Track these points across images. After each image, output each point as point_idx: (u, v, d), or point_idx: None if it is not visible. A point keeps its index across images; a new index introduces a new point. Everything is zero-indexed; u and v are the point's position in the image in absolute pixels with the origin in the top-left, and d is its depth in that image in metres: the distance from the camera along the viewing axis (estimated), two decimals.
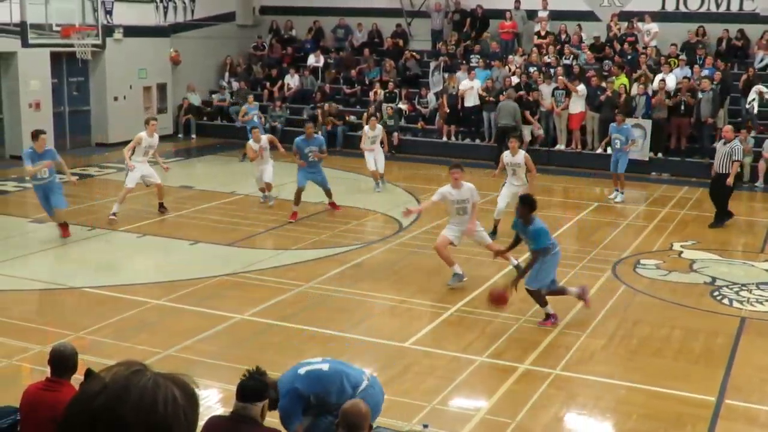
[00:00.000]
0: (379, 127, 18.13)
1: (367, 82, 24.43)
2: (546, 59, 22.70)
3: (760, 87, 19.72)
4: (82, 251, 12.89)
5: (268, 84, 25.37)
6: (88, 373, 5.91)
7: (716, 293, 11.27)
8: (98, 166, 19.67)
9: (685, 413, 7.77)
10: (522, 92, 21.37)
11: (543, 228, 9.92)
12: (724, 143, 14.88)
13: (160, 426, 1.66)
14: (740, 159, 14.92)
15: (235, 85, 25.22)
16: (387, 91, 23.33)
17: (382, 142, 17.99)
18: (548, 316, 9.91)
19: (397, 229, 14.39)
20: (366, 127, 18.05)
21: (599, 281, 11.63)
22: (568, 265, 12.35)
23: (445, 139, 22.35)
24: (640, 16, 22.85)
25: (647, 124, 19.93)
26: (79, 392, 1.74)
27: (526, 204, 9.90)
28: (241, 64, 26.19)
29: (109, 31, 20.76)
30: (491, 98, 21.51)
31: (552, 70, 21.77)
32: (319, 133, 15.59)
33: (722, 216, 15.01)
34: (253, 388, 5.18)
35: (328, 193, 15.45)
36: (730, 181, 14.61)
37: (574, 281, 11.61)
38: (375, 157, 17.69)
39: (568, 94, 20.88)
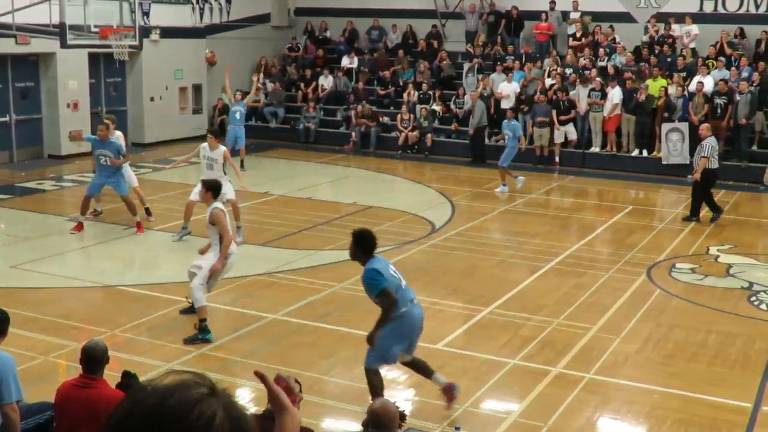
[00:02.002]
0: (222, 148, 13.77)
1: (401, 84, 24.42)
2: (582, 61, 22.52)
3: None
4: (118, 250, 13.03)
5: (302, 85, 25.47)
6: (126, 374, 5.99)
7: (753, 298, 11.10)
8: (134, 165, 19.85)
9: (720, 419, 7.66)
10: (556, 93, 21.24)
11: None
12: (700, 140, 15.33)
13: None
14: (708, 155, 15.00)
15: (270, 86, 25.35)
16: (421, 92, 23.31)
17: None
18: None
19: (429, 230, 14.37)
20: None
21: (634, 285, 11.51)
22: (602, 269, 12.27)
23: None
24: (677, 17, 22.57)
25: (684, 126, 19.69)
26: (123, 407, 1.76)
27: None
28: (275, 65, 26.32)
29: (146, 32, 20.98)
30: (524, 104, 21.39)
31: (587, 72, 21.60)
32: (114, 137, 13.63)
33: (714, 210, 15.31)
34: None
35: (130, 208, 13.70)
36: (696, 176, 15.06)
37: (608, 284, 11.53)
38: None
39: (604, 96, 20.71)
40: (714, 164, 15.17)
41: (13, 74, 20.06)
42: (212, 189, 9.45)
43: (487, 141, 21.53)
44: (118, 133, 14.34)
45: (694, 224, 15.16)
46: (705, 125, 15.91)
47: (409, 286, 7.54)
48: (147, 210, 14.48)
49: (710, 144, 15.12)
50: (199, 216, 13.70)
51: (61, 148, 20.38)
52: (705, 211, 15.42)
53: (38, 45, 18.83)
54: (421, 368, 7.70)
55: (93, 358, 5.65)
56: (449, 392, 7.63)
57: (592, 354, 8.99)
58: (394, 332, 7.30)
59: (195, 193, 12.75)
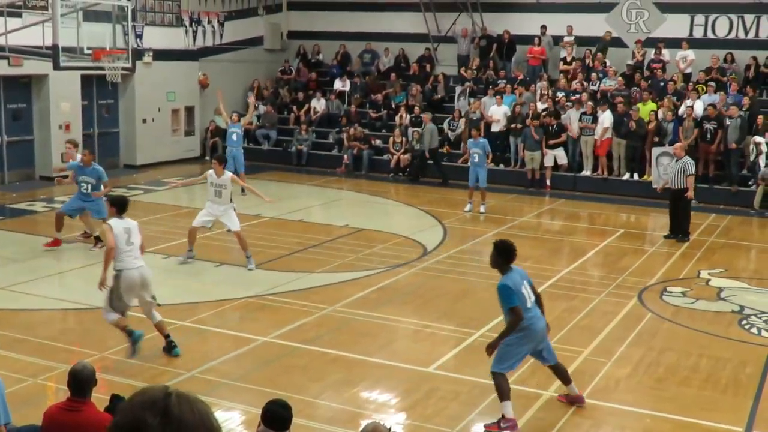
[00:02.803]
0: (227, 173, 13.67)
1: (393, 107, 24.52)
2: (573, 85, 22.67)
3: (756, 138, 19.06)
4: (108, 272, 12.95)
5: (294, 108, 25.55)
6: (115, 398, 5.94)
7: (744, 322, 11.11)
8: (126, 187, 19.85)
9: None
10: (546, 117, 21.36)
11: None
12: (677, 161, 15.57)
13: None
14: (694, 173, 15.53)
15: (262, 108, 25.41)
16: (413, 115, 23.40)
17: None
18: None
19: (421, 253, 14.37)
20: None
21: (625, 308, 11.51)
22: (594, 292, 12.27)
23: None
24: (667, 42, 22.75)
25: None
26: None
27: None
28: (268, 88, 26.40)
29: (139, 54, 21.04)
30: (518, 124, 21.51)
31: (578, 96, 21.73)
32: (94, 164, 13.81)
33: (683, 230, 15.58)
34: (283, 417, 5.26)
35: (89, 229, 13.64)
36: (690, 194, 15.34)
37: (599, 308, 11.53)
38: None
39: (595, 120, 20.84)
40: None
41: (6, 95, 20.07)
42: (115, 205, 9.27)
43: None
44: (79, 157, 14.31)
45: (685, 248, 15.20)
46: (679, 144, 16.37)
47: (535, 304, 8.08)
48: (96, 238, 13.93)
49: (691, 162, 15.57)
50: (203, 238, 13.68)
51: (53, 170, 20.34)
52: (718, 240, 15.45)
53: (31, 66, 18.85)
54: (561, 374, 8.34)
55: (81, 381, 5.60)
56: (578, 400, 8.33)
57: (583, 377, 8.96)
58: (516, 342, 7.85)
59: (198, 220, 12.99)
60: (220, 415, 7.87)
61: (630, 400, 8.55)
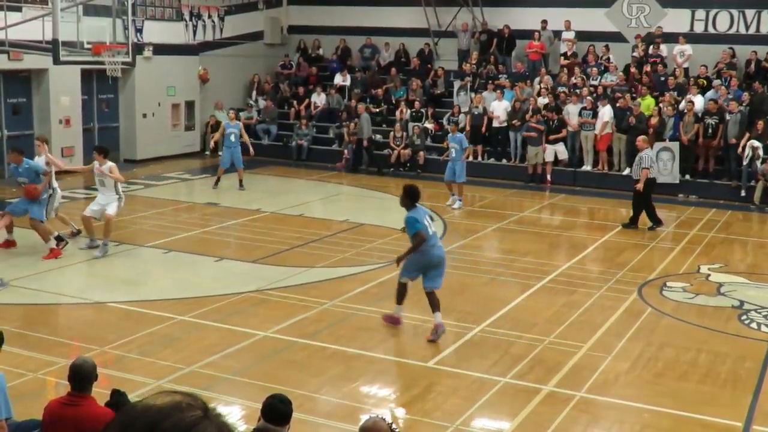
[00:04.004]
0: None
1: (393, 102, 24.50)
2: (573, 80, 22.66)
3: (753, 142, 18.97)
4: (108, 266, 12.99)
5: (294, 102, 25.53)
6: (115, 392, 5.96)
7: (744, 317, 11.12)
8: (126, 182, 19.82)
9: None
10: (547, 113, 21.36)
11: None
12: (638, 153, 16.23)
13: None
14: (649, 166, 15.87)
15: (263, 103, 25.40)
16: (413, 110, 23.39)
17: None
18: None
19: None
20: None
21: (625, 303, 11.52)
22: (594, 287, 12.28)
23: (470, 158, 22.32)
24: (667, 37, 22.74)
25: (675, 146, 19.81)
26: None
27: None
28: (268, 83, 26.38)
29: (139, 49, 21.01)
30: (517, 120, 21.52)
31: (578, 91, 21.73)
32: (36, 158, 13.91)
33: (653, 221, 16.12)
34: (283, 412, 5.27)
35: (40, 233, 13.27)
36: (639, 186, 15.87)
37: (599, 303, 11.54)
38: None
39: (595, 115, 20.84)
40: (652, 174, 16.12)
41: (5, 90, 20.06)
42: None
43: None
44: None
45: (685, 243, 15.23)
46: (641, 137, 16.74)
47: (435, 234, 10.12)
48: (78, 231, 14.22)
49: (649, 156, 16.08)
50: (189, 233, 13.69)
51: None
52: (718, 235, 15.48)
53: (31, 61, 18.85)
54: (433, 303, 10.03)
55: (81, 376, 5.62)
56: (437, 331, 9.91)
57: (583, 373, 8.98)
58: (415, 260, 10.06)
59: (87, 209, 13.47)
60: (219, 410, 7.88)
61: (629, 395, 8.56)
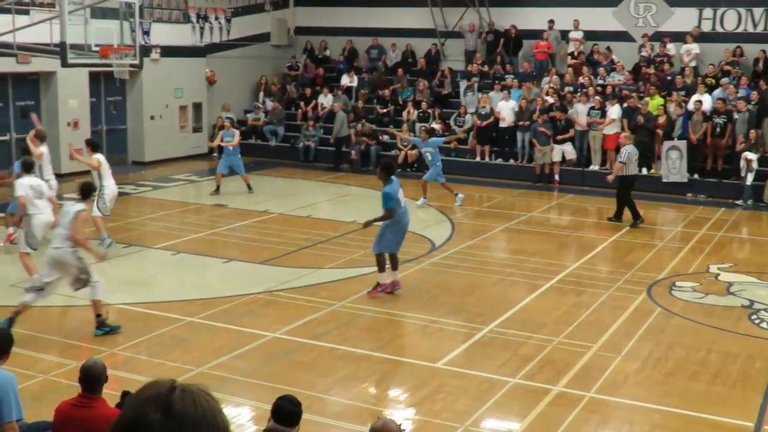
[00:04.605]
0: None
1: (400, 102, 24.50)
2: (580, 80, 22.62)
3: (747, 154, 18.78)
4: (117, 268, 13.01)
5: (302, 103, 25.55)
6: (125, 394, 5.97)
7: (754, 317, 11.09)
8: (134, 184, 19.91)
9: None
10: (555, 113, 21.34)
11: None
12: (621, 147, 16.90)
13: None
14: (624, 161, 16.30)
15: (270, 104, 25.43)
16: (420, 110, 23.39)
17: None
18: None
19: (429, 248, 14.36)
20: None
21: (634, 303, 11.50)
22: (602, 287, 12.25)
23: (478, 159, 22.33)
24: (675, 36, 22.69)
25: (683, 145, 19.75)
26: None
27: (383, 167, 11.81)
28: (275, 84, 26.41)
29: (146, 51, 21.06)
30: (524, 121, 21.50)
31: (585, 90, 21.68)
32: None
33: (634, 216, 16.33)
34: (293, 413, 5.28)
35: None
36: (610, 177, 16.84)
37: (608, 303, 11.52)
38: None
39: (604, 114, 20.80)
40: (632, 171, 16.54)
41: (14, 93, 20.13)
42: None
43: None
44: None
45: (694, 243, 15.19)
46: (624, 134, 17.61)
47: (405, 205, 11.72)
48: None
49: (627, 151, 16.38)
50: (200, 234, 13.69)
51: (61, 167, 20.38)
52: (727, 235, 15.43)
53: (39, 64, 18.90)
54: (393, 261, 11.68)
55: (92, 377, 5.63)
56: (391, 287, 11.56)
57: (592, 373, 8.97)
58: (391, 230, 11.48)
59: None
60: (229, 411, 7.90)
61: (639, 395, 8.54)
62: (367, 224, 11.78)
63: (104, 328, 9.78)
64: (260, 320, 10.51)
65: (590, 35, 23.83)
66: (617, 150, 20.77)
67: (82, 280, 9.72)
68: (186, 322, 10.38)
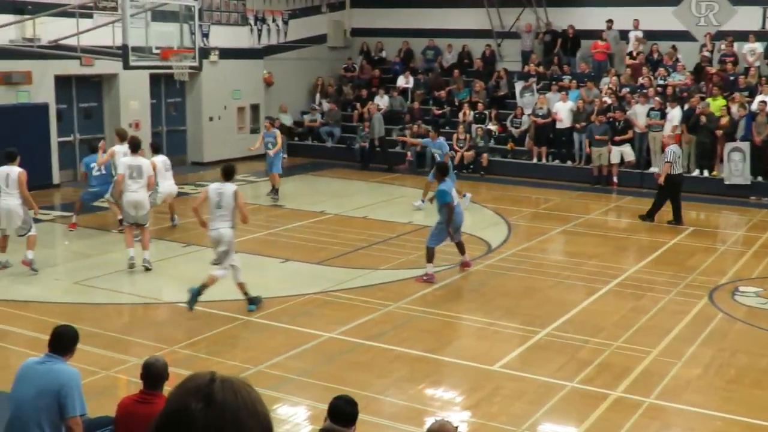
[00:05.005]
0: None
1: (456, 103, 24.43)
2: (640, 80, 22.29)
3: None
4: (176, 268, 13.22)
5: (358, 105, 25.64)
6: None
7: None
8: (194, 184, 20.18)
9: None
10: (613, 113, 21.05)
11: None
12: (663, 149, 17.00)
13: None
14: (670, 160, 16.12)
15: (326, 105, 25.58)
16: (476, 112, 23.29)
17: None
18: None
19: (485, 250, 14.29)
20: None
21: (695, 308, 11.28)
22: (662, 291, 12.05)
23: (534, 160, 22.15)
24: (737, 35, 22.20)
25: (746, 146, 19.33)
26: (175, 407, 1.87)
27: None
28: (331, 85, 26.56)
29: (205, 53, 21.35)
30: (581, 122, 21.27)
31: (645, 91, 21.35)
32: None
33: (675, 217, 16.30)
34: (349, 413, 5.30)
35: None
36: (661, 179, 16.30)
37: (668, 307, 11.33)
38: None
39: (664, 116, 20.45)
40: (677, 170, 16.29)
41: (78, 95, 20.59)
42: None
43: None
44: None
45: (757, 247, 14.84)
46: (668, 134, 17.59)
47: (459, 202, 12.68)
48: None
49: (672, 150, 16.23)
50: (260, 234, 13.79)
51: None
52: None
53: (102, 66, 19.29)
54: (460, 248, 12.76)
55: (154, 374, 5.73)
56: (432, 277, 12.25)
57: (652, 378, 8.82)
58: (444, 226, 12.25)
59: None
60: (286, 410, 7.98)
61: (700, 402, 8.38)
62: (447, 229, 12.33)
63: (254, 304, 10.75)
64: (317, 320, 10.57)
65: (650, 35, 23.46)
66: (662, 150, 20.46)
67: (225, 259, 10.64)
68: (244, 321, 10.49)
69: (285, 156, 18.85)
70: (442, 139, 18.32)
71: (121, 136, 14.83)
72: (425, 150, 22.86)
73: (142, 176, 12.75)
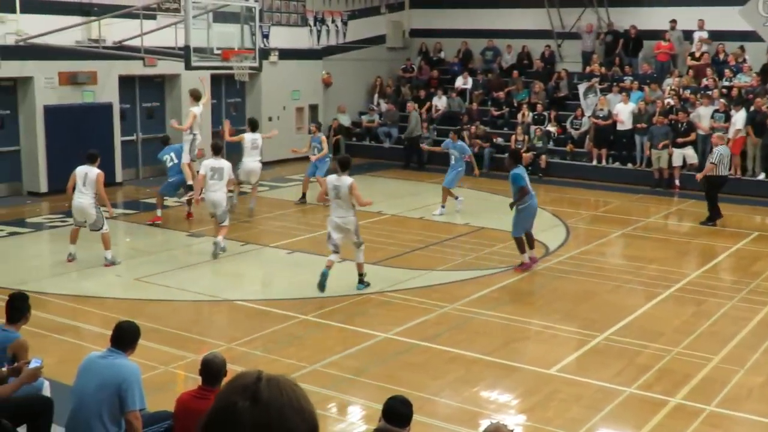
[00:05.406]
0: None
1: (515, 104, 24.26)
2: (704, 81, 21.84)
3: None
4: (235, 265, 13.38)
5: (416, 105, 25.62)
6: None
7: None
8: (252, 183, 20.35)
9: None
10: (674, 115, 20.67)
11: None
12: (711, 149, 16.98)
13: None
14: (715, 162, 16.22)
15: (384, 106, 25.63)
16: (535, 113, 23.09)
17: None
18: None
19: (543, 253, 14.15)
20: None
21: (759, 315, 11.00)
22: (725, 297, 11.79)
23: (594, 162, 21.87)
24: None
25: None
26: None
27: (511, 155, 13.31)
28: (390, 86, 26.60)
29: (265, 54, 21.56)
30: (642, 123, 20.93)
31: (709, 93, 20.92)
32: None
33: (713, 216, 16.39)
34: (404, 413, 5.30)
35: None
36: (698, 177, 16.65)
37: (730, 313, 11.08)
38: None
39: (728, 118, 20.01)
40: (722, 171, 16.34)
41: (141, 95, 20.98)
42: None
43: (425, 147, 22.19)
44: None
45: None
46: (717, 135, 17.40)
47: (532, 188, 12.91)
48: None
49: (720, 152, 16.27)
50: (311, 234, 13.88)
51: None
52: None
53: (164, 67, 19.63)
54: (529, 240, 12.98)
55: (212, 371, 5.81)
56: (528, 265, 12.86)
57: (713, 385, 8.64)
58: (524, 214, 12.79)
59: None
60: (340, 409, 8.01)
61: (763, 411, 8.17)
62: (511, 206, 12.88)
63: (363, 284, 11.77)
64: (372, 320, 10.60)
65: (716, 35, 22.98)
66: (742, 155, 19.98)
67: (359, 243, 11.73)
68: (300, 320, 10.57)
69: (330, 157, 18.52)
70: (461, 142, 17.85)
71: (195, 96, 16.12)
72: (482, 151, 22.79)
73: (223, 178, 13.52)
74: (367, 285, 11.79)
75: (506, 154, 13.62)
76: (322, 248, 14.32)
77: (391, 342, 9.87)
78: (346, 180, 11.37)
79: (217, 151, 13.83)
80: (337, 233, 11.58)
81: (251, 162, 16.74)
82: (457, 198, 17.35)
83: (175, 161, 15.92)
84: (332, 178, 11.56)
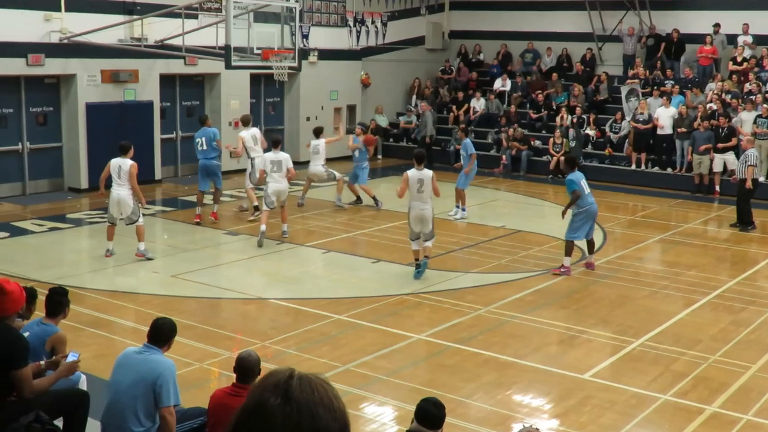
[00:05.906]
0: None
1: (554, 107, 24.11)
2: (747, 86, 21.52)
3: None
4: (270, 264, 13.47)
5: (453, 107, 25.59)
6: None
7: None
8: (289, 182, 20.46)
9: None
10: (715, 120, 20.39)
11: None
12: (743, 152, 16.88)
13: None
14: (755, 164, 16.21)
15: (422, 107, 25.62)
16: (574, 116, 22.93)
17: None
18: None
19: (579, 257, 14.04)
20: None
21: None
22: (764, 305, 11.61)
23: (633, 166, 21.67)
24: None
25: None
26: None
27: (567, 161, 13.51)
28: (428, 87, 26.58)
29: (304, 54, 21.68)
30: (683, 128, 20.68)
31: (752, 98, 20.61)
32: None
33: (745, 222, 16.35)
34: (437, 416, 5.31)
35: None
36: (748, 183, 16.12)
37: None
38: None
39: None
40: (756, 174, 16.36)
41: (181, 93, 21.19)
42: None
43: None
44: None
45: None
46: (747, 138, 17.51)
47: (590, 194, 12.94)
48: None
49: (754, 154, 16.42)
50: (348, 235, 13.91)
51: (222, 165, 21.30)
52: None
53: (204, 66, 19.83)
54: (589, 245, 13.17)
55: (246, 368, 5.85)
56: (568, 270, 12.83)
57: (750, 394, 8.51)
58: (579, 220, 12.73)
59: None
60: (373, 410, 8.03)
61: None
62: (563, 213, 12.91)
63: (421, 269, 12.31)
64: (406, 321, 10.60)
65: (761, 39, 22.62)
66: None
67: (431, 234, 12.48)
68: (334, 319, 10.60)
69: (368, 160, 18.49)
70: (467, 139, 17.49)
71: (245, 122, 16.63)
72: (520, 154, 22.69)
73: (282, 169, 14.43)
74: (424, 270, 12.32)
75: (562, 159, 14.19)
76: (359, 249, 14.40)
77: (424, 343, 9.87)
78: (428, 172, 12.28)
79: (276, 144, 14.71)
80: (418, 225, 12.35)
81: (313, 166, 17.80)
82: (457, 207, 17.00)
83: (204, 147, 15.97)
84: (414, 173, 12.26)
